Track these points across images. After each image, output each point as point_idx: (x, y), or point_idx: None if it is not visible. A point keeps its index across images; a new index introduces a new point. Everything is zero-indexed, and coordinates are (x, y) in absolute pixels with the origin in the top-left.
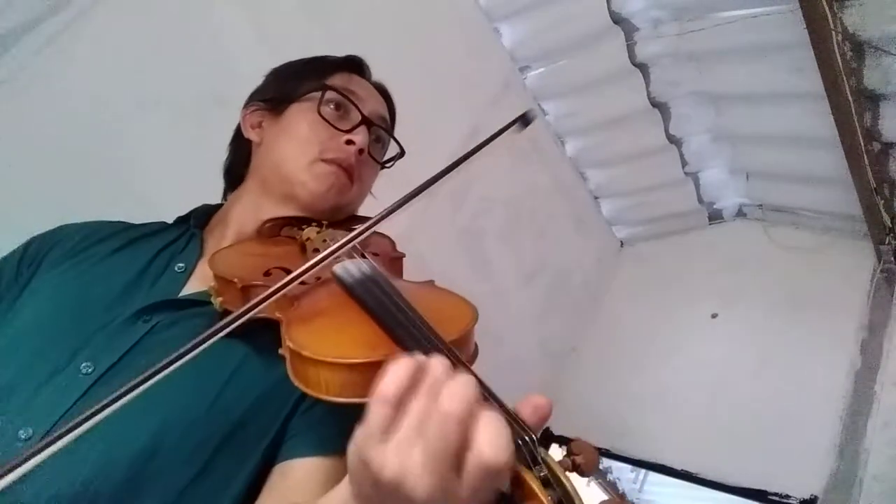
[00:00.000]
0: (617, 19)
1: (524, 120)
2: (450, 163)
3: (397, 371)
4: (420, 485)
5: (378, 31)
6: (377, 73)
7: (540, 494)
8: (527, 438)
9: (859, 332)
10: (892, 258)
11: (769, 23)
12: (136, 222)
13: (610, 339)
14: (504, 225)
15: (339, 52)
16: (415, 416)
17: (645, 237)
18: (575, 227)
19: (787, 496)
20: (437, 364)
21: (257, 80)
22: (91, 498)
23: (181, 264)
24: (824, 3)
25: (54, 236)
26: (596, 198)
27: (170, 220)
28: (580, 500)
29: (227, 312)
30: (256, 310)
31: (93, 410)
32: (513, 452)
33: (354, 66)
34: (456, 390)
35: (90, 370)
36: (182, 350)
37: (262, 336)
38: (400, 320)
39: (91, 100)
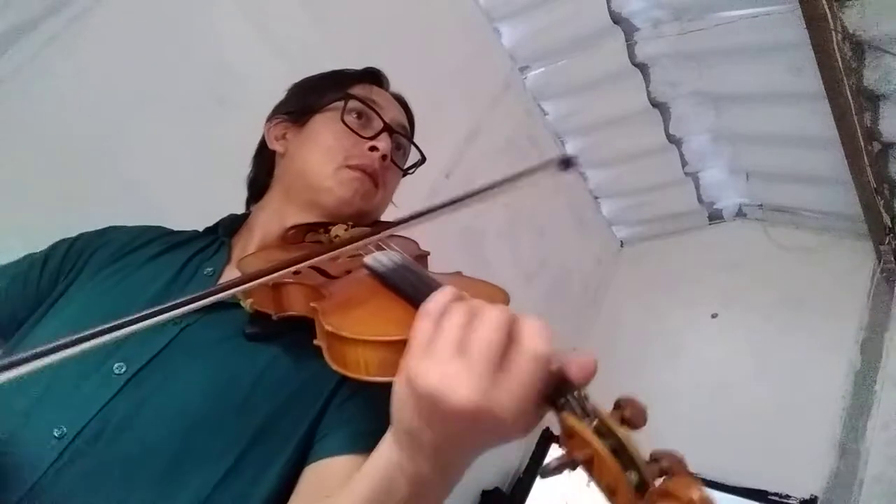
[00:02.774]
0: (617, 19)
1: (565, 163)
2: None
3: (440, 293)
4: (460, 391)
5: (378, 31)
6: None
7: (594, 443)
8: (576, 393)
9: (859, 332)
10: (892, 258)
11: (769, 23)
12: (175, 229)
13: (610, 339)
14: (504, 225)
15: (340, 52)
16: (453, 327)
17: (645, 237)
18: (575, 227)
19: (787, 496)
20: (480, 300)
21: (257, 80)
22: (126, 493)
23: (210, 268)
24: (824, 3)
25: (101, 239)
26: (596, 198)
27: (172, 219)
28: (635, 447)
29: (258, 313)
30: (284, 272)
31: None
32: (550, 347)
33: (373, 77)
34: (497, 307)
35: (122, 370)
36: (204, 292)
37: (292, 338)
38: None
39: (91, 99)
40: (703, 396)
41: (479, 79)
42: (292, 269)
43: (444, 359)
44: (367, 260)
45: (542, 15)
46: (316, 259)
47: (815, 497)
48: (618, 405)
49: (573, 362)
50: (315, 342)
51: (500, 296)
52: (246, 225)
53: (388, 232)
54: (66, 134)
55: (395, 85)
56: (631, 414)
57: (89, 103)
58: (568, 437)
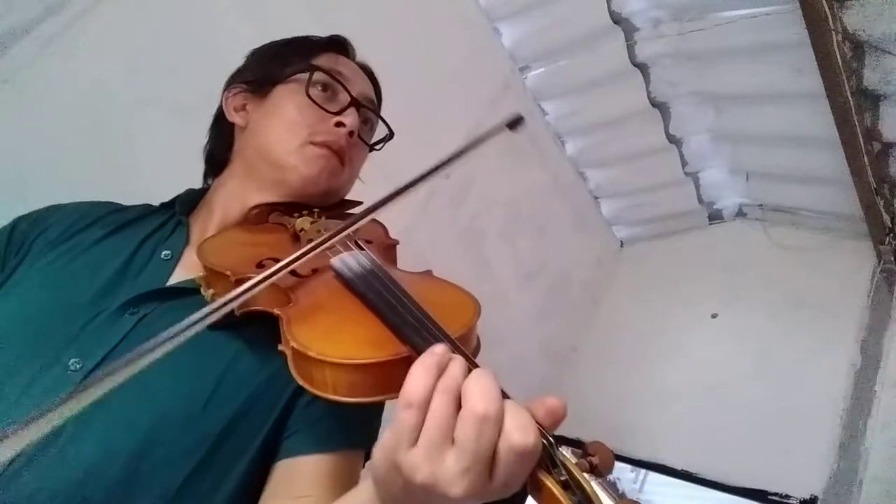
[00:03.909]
0: (617, 19)
1: (515, 122)
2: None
3: (419, 374)
4: (455, 487)
5: (378, 31)
6: (378, 73)
7: (561, 498)
8: (544, 441)
9: (859, 332)
10: (892, 258)
11: (769, 23)
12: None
13: (610, 339)
14: (504, 225)
15: None
16: (440, 419)
17: (645, 237)
18: (575, 227)
19: (787, 496)
20: (456, 364)
21: None
22: (86, 497)
23: (167, 252)
24: (824, 3)
25: (43, 221)
26: (596, 198)
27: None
28: (600, 503)
29: None
30: (249, 295)
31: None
32: (538, 436)
33: (339, 46)
34: (484, 387)
35: (78, 367)
36: (174, 332)
37: (255, 329)
38: (405, 317)
39: (91, 99)
40: (703, 396)
41: (479, 79)
42: (269, 273)
43: (434, 454)
44: (335, 262)
45: (542, 15)
46: (291, 265)
47: (815, 497)
48: (586, 451)
49: (541, 406)
50: (279, 348)
51: (470, 304)
52: (204, 202)
53: (357, 225)
54: (66, 134)
55: (395, 85)
56: (599, 461)
57: (89, 103)
58: (535, 490)
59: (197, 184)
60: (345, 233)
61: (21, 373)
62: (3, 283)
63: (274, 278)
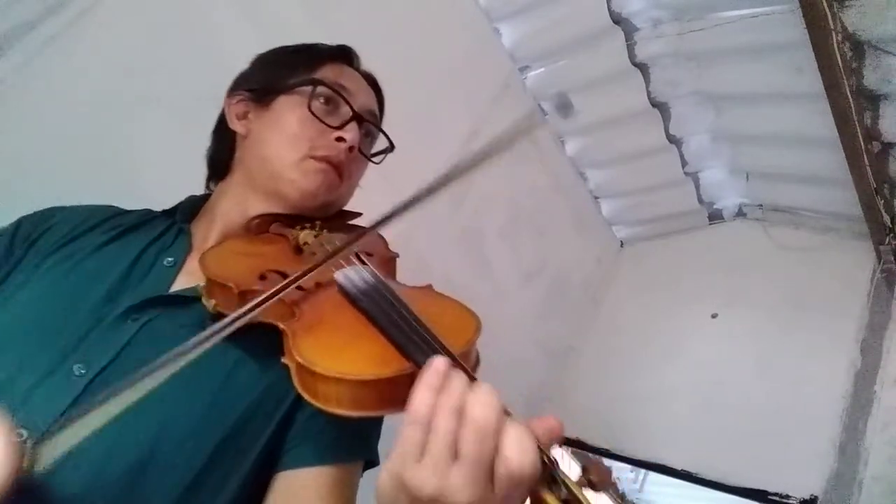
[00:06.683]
0: (617, 19)
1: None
2: (452, 160)
3: (424, 392)
4: (462, 495)
5: (378, 31)
6: (378, 74)
7: None
8: (546, 459)
9: (859, 332)
10: (892, 258)
11: (769, 23)
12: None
13: (610, 339)
14: (504, 225)
15: None
16: (445, 433)
17: (645, 237)
18: (575, 227)
19: (787, 496)
20: (457, 379)
21: None
22: None
23: (170, 259)
24: (824, 3)
25: (45, 221)
26: (596, 198)
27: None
28: None
29: (220, 315)
30: (254, 314)
31: (101, 400)
32: (537, 459)
33: (344, 56)
34: (485, 399)
35: (83, 371)
36: (180, 350)
37: (254, 339)
38: (409, 335)
39: (91, 99)
40: (703, 396)
41: (479, 79)
42: (276, 291)
43: (441, 467)
44: (338, 277)
45: (542, 15)
46: (297, 281)
47: (815, 497)
48: (584, 469)
49: (540, 424)
50: (283, 360)
51: (471, 321)
52: (206, 209)
53: (361, 240)
54: (65, 134)
55: (395, 85)
56: (597, 479)
57: (89, 103)
58: None
59: (196, 184)
60: (350, 247)
61: (25, 376)
62: (3, 283)
63: (282, 294)
